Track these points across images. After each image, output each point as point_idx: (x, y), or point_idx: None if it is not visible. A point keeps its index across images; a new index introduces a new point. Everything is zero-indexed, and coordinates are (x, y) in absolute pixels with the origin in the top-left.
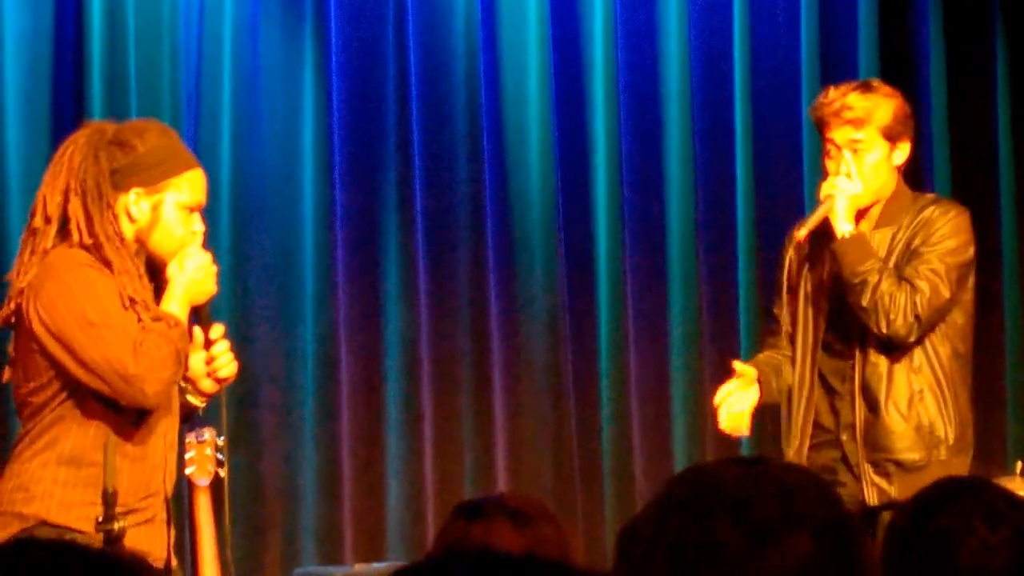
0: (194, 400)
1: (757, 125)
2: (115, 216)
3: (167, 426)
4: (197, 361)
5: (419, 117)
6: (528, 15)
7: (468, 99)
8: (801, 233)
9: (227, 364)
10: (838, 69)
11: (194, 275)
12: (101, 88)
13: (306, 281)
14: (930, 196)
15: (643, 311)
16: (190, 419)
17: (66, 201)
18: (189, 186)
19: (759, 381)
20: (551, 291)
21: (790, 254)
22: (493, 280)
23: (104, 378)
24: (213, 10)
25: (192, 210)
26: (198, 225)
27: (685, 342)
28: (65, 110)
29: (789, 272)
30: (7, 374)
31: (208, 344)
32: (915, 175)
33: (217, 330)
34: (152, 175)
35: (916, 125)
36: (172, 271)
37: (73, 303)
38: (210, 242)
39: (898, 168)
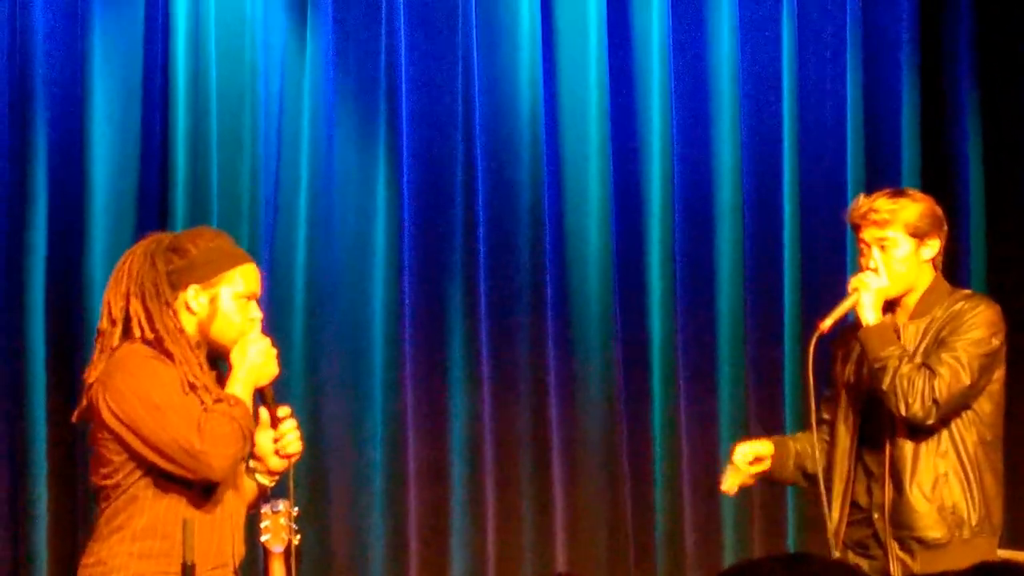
0: (263, 480)
1: (804, 228)
2: (175, 312)
3: (232, 500)
4: (265, 439)
5: (485, 223)
6: (589, 129)
7: (532, 208)
8: (825, 324)
9: (293, 441)
10: (882, 176)
11: (255, 359)
12: (184, 193)
13: (375, 369)
14: (965, 292)
15: (694, 395)
16: (264, 497)
17: (127, 303)
18: (242, 278)
19: (772, 457)
20: (608, 377)
21: (812, 347)
22: (553, 367)
23: (174, 458)
24: (291, 121)
25: (248, 299)
26: (255, 313)
27: (733, 425)
28: (149, 214)
29: (821, 365)
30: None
31: (275, 423)
32: (952, 273)
33: (284, 410)
34: (206, 272)
35: (955, 225)
36: (235, 357)
37: (139, 390)
38: (286, 335)
39: (931, 262)
